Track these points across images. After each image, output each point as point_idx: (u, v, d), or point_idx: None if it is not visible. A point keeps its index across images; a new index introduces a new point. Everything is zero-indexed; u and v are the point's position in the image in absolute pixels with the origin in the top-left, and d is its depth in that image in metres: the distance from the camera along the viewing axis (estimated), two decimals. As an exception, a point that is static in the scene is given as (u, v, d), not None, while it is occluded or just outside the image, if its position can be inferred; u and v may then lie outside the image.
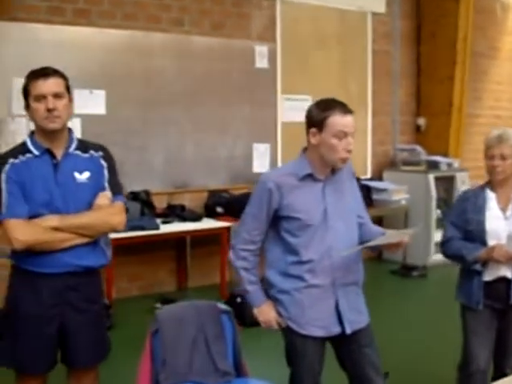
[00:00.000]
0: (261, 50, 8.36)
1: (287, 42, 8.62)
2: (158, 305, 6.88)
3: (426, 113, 10.13)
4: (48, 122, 3.27)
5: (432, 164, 9.35)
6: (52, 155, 3.35)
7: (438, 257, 8.66)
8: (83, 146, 3.47)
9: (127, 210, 3.51)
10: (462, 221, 3.96)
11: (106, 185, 3.44)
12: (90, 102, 6.98)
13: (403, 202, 9.08)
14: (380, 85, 9.70)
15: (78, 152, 3.42)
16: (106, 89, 7.14)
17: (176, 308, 3.82)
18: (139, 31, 7.46)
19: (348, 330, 3.36)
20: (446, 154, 9.70)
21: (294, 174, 3.37)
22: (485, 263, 3.85)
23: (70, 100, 3.40)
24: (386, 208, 8.82)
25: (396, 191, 8.98)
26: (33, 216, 3.24)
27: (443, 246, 4.05)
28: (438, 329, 6.38)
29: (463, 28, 9.71)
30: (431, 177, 9.11)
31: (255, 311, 3.49)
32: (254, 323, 5.16)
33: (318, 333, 3.37)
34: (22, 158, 3.31)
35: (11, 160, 3.29)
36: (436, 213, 9.18)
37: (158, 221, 6.98)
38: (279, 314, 3.43)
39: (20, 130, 6.70)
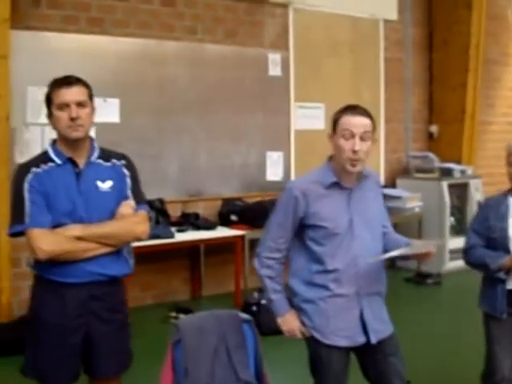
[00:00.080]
0: (274, 58, 8.35)
1: (300, 49, 8.61)
2: (173, 314, 6.87)
3: (438, 120, 10.10)
4: (71, 131, 3.26)
5: (445, 171, 9.31)
6: (74, 164, 3.33)
7: (452, 264, 8.66)
8: (105, 154, 3.45)
9: (150, 219, 3.49)
10: (485, 228, 3.92)
11: (129, 194, 3.42)
12: (103, 111, 6.93)
13: (417, 210, 9.04)
14: (392, 92, 9.68)
15: (100, 161, 3.41)
16: (120, 97, 7.13)
17: (197, 318, 3.79)
18: (153, 39, 7.47)
19: (373, 340, 3.32)
20: (459, 162, 9.67)
21: (319, 182, 3.34)
22: (508, 271, 3.81)
23: (93, 108, 3.39)
24: (399, 216, 8.76)
25: (410, 199, 8.94)
26: (56, 225, 3.22)
27: (466, 254, 4.01)
28: (456, 336, 6.35)
29: (476, 35, 9.68)
30: (445, 184, 9.07)
31: (279, 320, 3.45)
32: (269, 332, 5.17)
33: (343, 343, 3.33)
34: (44, 167, 3.29)
35: (33, 169, 3.27)
36: (450, 220, 9.15)
37: (173, 229, 6.96)
38: (303, 323, 3.40)
39: (34, 139, 6.70)
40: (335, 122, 3.31)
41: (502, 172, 4.01)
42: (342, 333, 3.32)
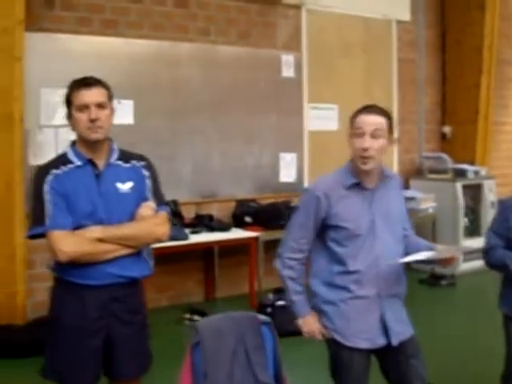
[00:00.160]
0: (287, 59, 8.33)
1: (313, 50, 8.59)
2: (187, 315, 6.86)
3: (451, 121, 10.06)
4: (91, 133, 3.25)
5: (459, 172, 9.28)
6: (94, 165, 3.32)
7: (466, 266, 8.62)
8: (125, 156, 3.44)
9: (171, 221, 3.48)
10: (505, 229, 3.89)
11: (149, 195, 3.42)
12: (118, 112, 6.86)
13: (430, 211, 9.01)
14: (405, 93, 9.65)
15: (120, 162, 3.40)
16: (134, 99, 7.12)
17: (215, 320, 3.77)
18: (166, 41, 7.46)
19: (394, 342, 3.30)
20: (472, 162, 9.63)
21: (340, 182, 3.33)
22: (529, 272, 3.79)
23: (112, 110, 3.38)
24: (413, 216, 8.71)
25: (423, 200, 8.91)
26: (76, 227, 3.21)
27: (486, 255, 3.98)
28: (473, 338, 6.32)
29: (489, 36, 9.65)
30: (459, 185, 9.04)
31: (299, 321, 3.45)
32: (284, 333, 5.16)
33: (364, 345, 3.31)
34: (63, 168, 3.28)
35: (53, 171, 3.26)
36: (463, 221, 9.11)
37: (187, 231, 6.95)
38: (323, 325, 3.39)
39: (48, 141, 6.69)
40: (351, 122, 3.31)
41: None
42: (362, 335, 3.31)
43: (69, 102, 3.31)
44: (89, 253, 3.19)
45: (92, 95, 3.25)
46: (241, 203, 7.81)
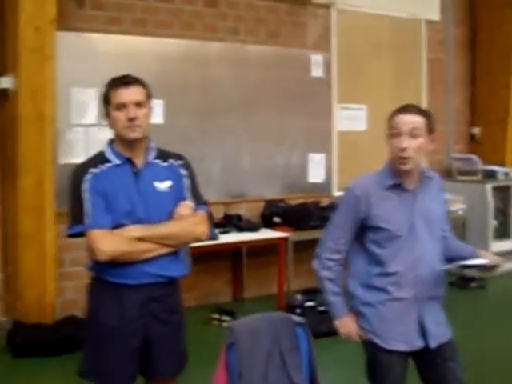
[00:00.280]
0: (316, 59, 8.30)
1: (342, 50, 8.56)
2: (215, 316, 6.84)
3: (481, 121, 9.96)
4: (129, 131, 3.23)
5: (489, 173, 9.20)
6: (132, 164, 3.31)
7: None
8: (162, 154, 3.43)
9: (210, 220, 3.46)
10: None
11: (188, 194, 3.40)
12: (148, 112, 6.96)
13: (460, 213, 8.94)
14: (434, 93, 9.58)
15: (158, 161, 3.38)
16: (164, 98, 7.11)
17: (250, 320, 3.74)
18: (196, 41, 7.46)
19: (433, 344, 3.27)
20: (502, 164, 9.52)
21: (380, 183, 3.30)
22: None
23: (150, 109, 3.37)
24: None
25: (453, 201, 8.83)
26: (115, 226, 3.20)
27: None
28: (503, 340, 6.28)
29: (520, 35, 9.55)
30: (488, 187, 8.96)
31: (336, 323, 3.43)
32: (315, 335, 5.12)
33: (402, 347, 3.28)
34: (101, 167, 3.27)
35: (92, 170, 3.25)
36: (493, 223, 9.03)
37: (216, 231, 6.93)
38: (361, 326, 3.36)
39: (77, 140, 6.71)
40: (388, 123, 3.27)
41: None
42: (400, 337, 3.27)
43: (106, 100, 3.30)
44: (128, 252, 3.18)
45: (130, 94, 3.24)
46: (270, 203, 7.78)
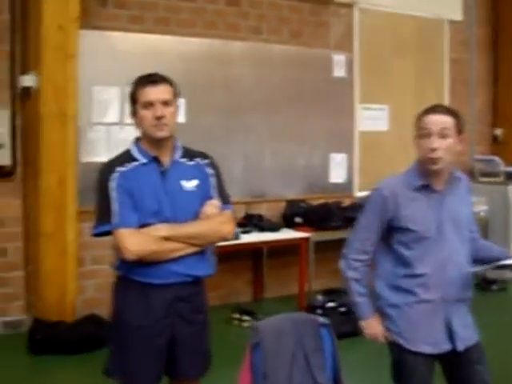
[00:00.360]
0: (338, 59, 8.26)
1: (364, 50, 8.51)
2: (236, 315, 6.83)
3: (503, 123, 9.88)
4: (156, 130, 3.21)
5: (511, 175, 9.13)
6: (159, 163, 3.29)
7: (518, 270, 8.47)
8: (189, 153, 3.41)
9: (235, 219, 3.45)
10: None
11: (214, 193, 3.38)
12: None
13: (482, 214, 8.87)
14: (457, 94, 9.50)
15: (184, 160, 3.37)
16: (186, 97, 7.08)
17: (275, 320, 3.73)
18: (218, 40, 7.44)
19: (460, 347, 3.23)
20: (524, 166, 9.47)
21: (407, 183, 3.27)
22: None
23: (177, 107, 3.35)
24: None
25: (475, 203, 8.72)
26: (141, 225, 3.18)
27: None
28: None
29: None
30: (511, 188, 8.90)
31: (362, 323, 3.40)
32: (337, 335, 5.09)
33: (428, 349, 3.24)
34: (128, 166, 3.25)
35: (119, 168, 3.23)
36: (515, 225, 8.98)
37: (237, 230, 6.91)
38: (386, 328, 3.33)
39: (99, 138, 6.71)
40: (417, 124, 3.24)
41: None
42: (427, 339, 3.24)
43: (133, 98, 3.28)
44: (155, 251, 3.16)
45: (158, 92, 3.22)
46: (291, 203, 7.75)
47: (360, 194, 8.20)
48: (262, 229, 7.25)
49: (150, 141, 3.28)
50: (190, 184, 3.30)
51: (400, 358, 3.31)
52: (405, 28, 8.94)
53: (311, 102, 8.07)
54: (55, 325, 6.12)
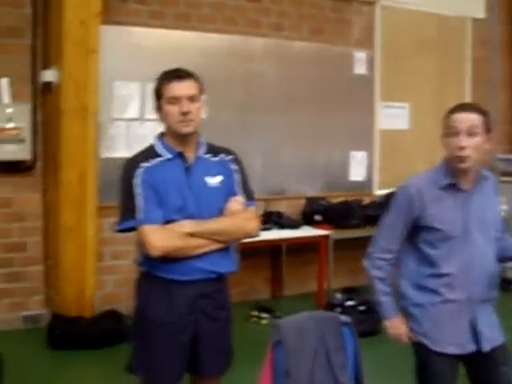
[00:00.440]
0: (359, 57, 8.21)
1: (386, 47, 8.46)
2: (255, 313, 6.82)
3: (524, 122, 9.82)
4: (182, 126, 3.19)
5: (533, 175, 9.06)
6: (183, 159, 3.26)
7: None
8: (213, 149, 3.39)
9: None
10: None
11: (238, 189, 3.36)
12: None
13: (503, 214, 8.79)
14: (479, 93, 9.42)
15: (208, 156, 3.34)
16: (206, 93, 7.06)
17: (296, 318, 3.71)
18: (239, 36, 7.42)
19: (486, 348, 3.19)
20: (546, 165, 9.38)
21: (434, 182, 3.23)
22: None
23: (202, 103, 3.33)
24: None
25: (496, 202, 8.71)
26: (166, 221, 3.16)
27: None
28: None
29: None
30: (532, 188, 8.82)
31: (386, 323, 3.38)
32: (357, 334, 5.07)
33: (453, 350, 3.20)
34: (153, 161, 3.23)
35: (143, 164, 3.21)
36: (535, 224, 8.89)
37: (257, 227, 6.89)
38: (411, 328, 3.30)
39: (119, 134, 6.70)
40: (444, 122, 3.20)
41: None
42: (452, 340, 3.21)
43: (158, 94, 3.26)
44: (180, 248, 3.14)
45: (184, 88, 3.21)
46: (310, 201, 7.72)
47: (380, 192, 8.16)
48: (281, 226, 7.23)
49: (174, 136, 3.25)
50: (215, 180, 3.28)
51: (424, 359, 3.28)
52: (427, 26, 8.87)
53: (331, 99, 8.02)
54: (74, 320, 6.13)
